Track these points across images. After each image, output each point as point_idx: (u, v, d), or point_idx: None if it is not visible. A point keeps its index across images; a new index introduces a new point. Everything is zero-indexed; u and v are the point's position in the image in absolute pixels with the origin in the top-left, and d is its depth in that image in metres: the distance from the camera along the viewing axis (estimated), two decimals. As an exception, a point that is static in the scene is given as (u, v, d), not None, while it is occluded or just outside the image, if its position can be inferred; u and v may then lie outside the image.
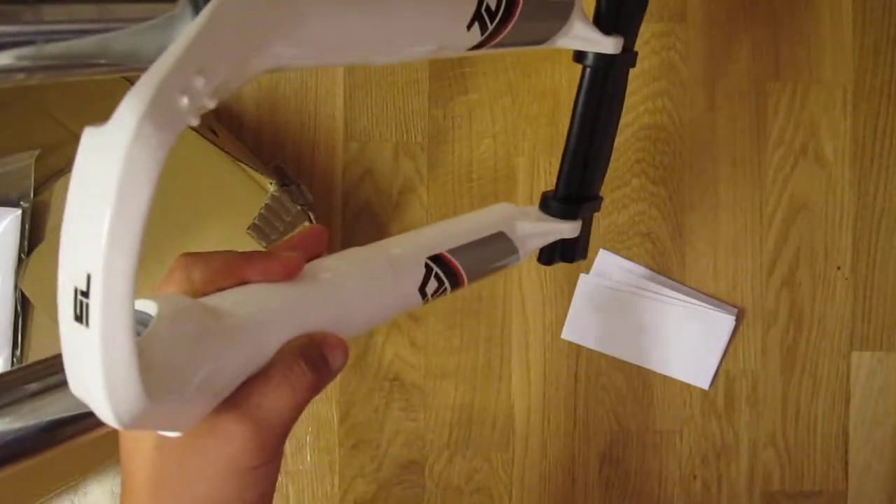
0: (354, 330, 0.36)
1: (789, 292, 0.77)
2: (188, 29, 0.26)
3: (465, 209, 0.77)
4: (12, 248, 0.70)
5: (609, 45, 0.49)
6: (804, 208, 0.77)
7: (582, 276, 0.76)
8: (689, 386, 0.77)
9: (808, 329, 0.78)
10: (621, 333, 0.76)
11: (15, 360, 0.70)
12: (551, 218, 0.53)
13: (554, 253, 0.54)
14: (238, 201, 0.64)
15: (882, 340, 0.78)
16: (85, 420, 0.27)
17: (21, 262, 0.70)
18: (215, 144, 0.66)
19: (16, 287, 0.70)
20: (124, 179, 0.24)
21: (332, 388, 0.76)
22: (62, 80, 0.27)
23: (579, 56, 0.50)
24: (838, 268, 0.78)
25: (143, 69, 0.26)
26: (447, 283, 0.41)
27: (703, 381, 0.77)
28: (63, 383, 0.27)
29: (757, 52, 0.77)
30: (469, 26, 0.39)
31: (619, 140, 0.75)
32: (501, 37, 0.41)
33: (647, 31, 0.77)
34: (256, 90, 0.76)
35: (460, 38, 0.39)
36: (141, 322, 0.28)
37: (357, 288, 0.37)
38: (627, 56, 0.51)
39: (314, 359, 0.32)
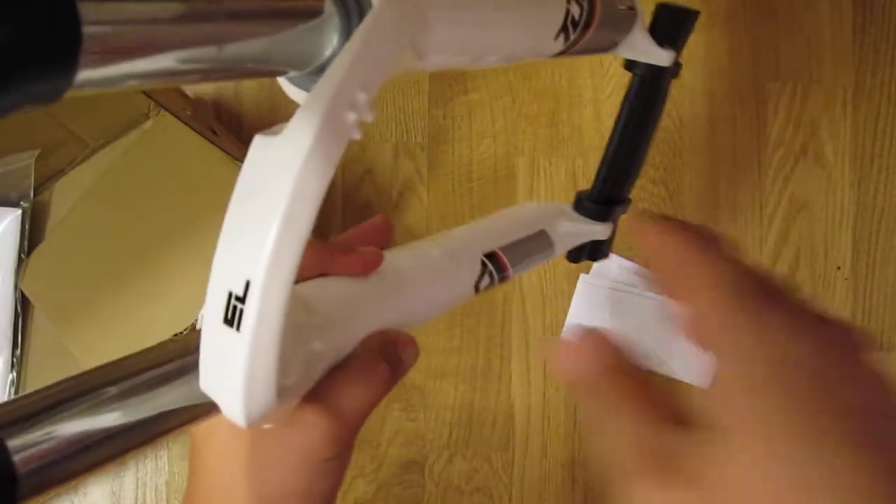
0: (417, 324, 0.37)
1: (789, 292, 0.77)
2: (348, 47, 0.26)
3: (465, 209, 0.77)
4: (12, 248, 0.70)
5: (663, 57, 0.51)
6: (804, 208, 0.77)
7: (582, 276, 0.76)
8: (689, 386, 0.77)
9: (808, 329, 0.77)
10: (621, 333, 0.76)
11: (15, 360, 0.70)
12: (585, 218, 0.55)
13: (582, 251, 0.56)
14: (238, 201, 0.64)
15: (882, 340, 0.78)
16: (185, 413, 0.28)
17: (21, 262, 0.70)
18: (215, 144, 0.66)
19: (16, 287, 0.70)
20: (296, 192, 0.24)
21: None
22: (223, 80, 0.27)
23: (630, 64, 0.53)
24: (838, 268, 0.78)
25: (282, 72, 0.27)
26: (496, 278, 0.43)
27: (703, 380, 0.77)
28: (170, 375, 0.27)
29: (757, 52, 0.77)
30: (556, 37, 0.41)
31: (619, 140, 0.75)
32: (579, 45, 0.43)
33: (647, 31, 0.77)
34: (257, 90, 0.76)
35: (548, 46, 0.41)
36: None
37: (425, 284, 0.38)
38: (675, 68, 0.53)
39: (391, 355, 0.32)
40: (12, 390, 0.69)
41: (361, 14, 0.28)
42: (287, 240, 0.25)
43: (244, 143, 0.76)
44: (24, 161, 0.70)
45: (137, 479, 0.74)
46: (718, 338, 0.25)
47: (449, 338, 0.76)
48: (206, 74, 0.26)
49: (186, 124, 0.67)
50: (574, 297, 0.76)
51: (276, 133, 0.25)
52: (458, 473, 0.76)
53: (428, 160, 0.77)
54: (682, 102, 0.77)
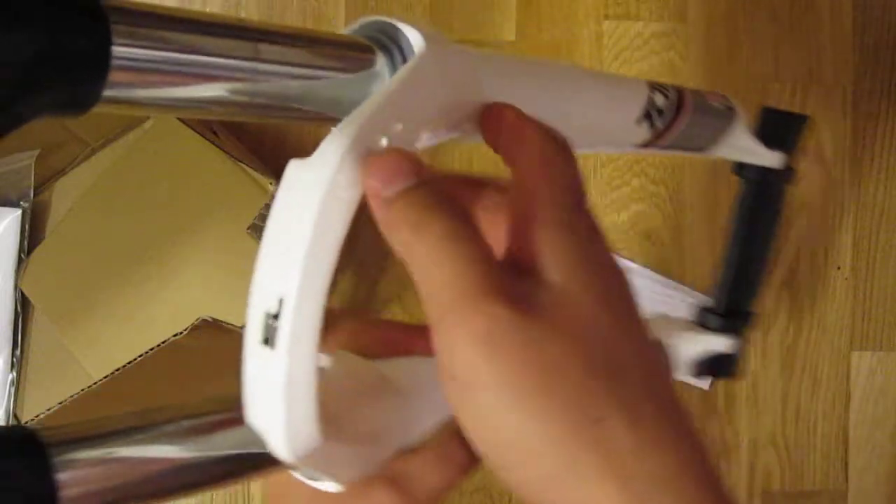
0: None
1: (789, 292, 0.77)
2: (389, 82, 0.28)
3: (465, 209, 0.77)
4: (12, 248, 0.70)
5: (771, 158, 0.49)
6: (804, 208, 0.77)
7: (582, 276, 0.76)
8: (689, 386, 0.77)
9: (808, 329, 0.78)
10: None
11: (14, 359, 0.70)
12: (707, 331, 0.53)
13: (707, 367, 0.54)
14: (238, 201, 0.64)
15: (882, 340, 0.78)
16: (253, 459, 0.28)
17: (21, 262, 0.70)
18: (215, 144, 0.66)
19: (16, 287, 0.70)
20: (323, 210, 0.25)
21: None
22: (265, 119, 0.28)
23: (739, 168, 0.51)
24: (838, 268, 0.78)
25: (338, 119, 0.27)
26: None
27: (702, 381, 0.77)
28: (235, 420, 0.27)
29: (757, 52, 0.77)
30: (639, 122, 0.40)
31: (619, 140, 0.75)
32: (669, 137, 0.42)
33: (647, 30, 0.77)
34: (256, 90, 0.76)
35: (630, 131, 0.40)
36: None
37: None
38: (788, 172, 0.51)
39: (468, 442, 0.32)
40: (12, 390, 0.69)
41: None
42: (317, 254, 0.25)
43: (244, 143, 0.76)
44: (24, 161, 0.70)
45: None
46: (542, 173, 0.28)
47: (449, 338, 0.76)
48: (244, 109, 0.27)
49: (186, 124, 0.67)
50: (574, 297, 0.76)
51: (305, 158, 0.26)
52: (458, 473, 0.76)
53: (428, 160, 0.76)
54: (682, 102, 0.77)
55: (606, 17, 0.77)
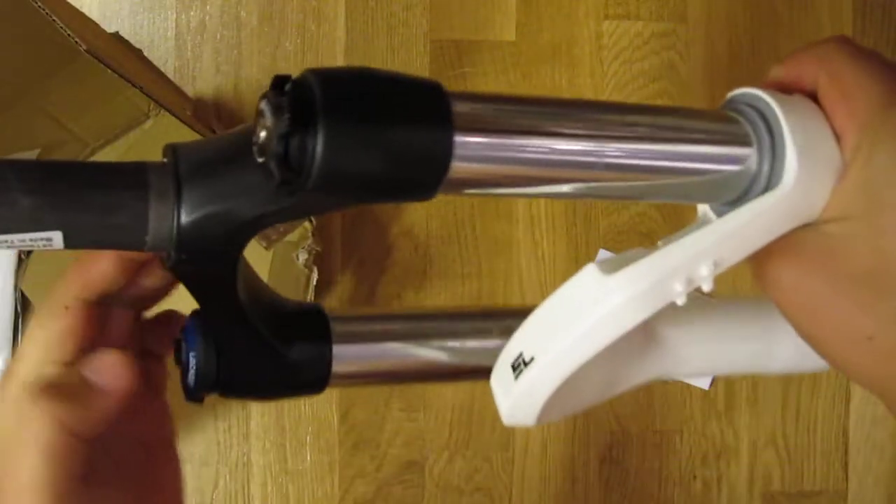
0: None
1: (789, 292, 0.77)
2: (720, 222, 0.28)
3: (465, 208, 0.77)
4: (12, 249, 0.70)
5: None
6: (804, 208, 0.77)
7: (582, 276, 0.76)
8: (689, 386, 0.77)
9: (808, 329, 0.77)
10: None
11: (15, 360, 0.70)
12: None
13: None
14: (238, 201, 0.64)
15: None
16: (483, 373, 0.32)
17: (21, 263, 0.70)
18: (215, 144, 0.66)
19: (16, 287, 0.70)
20: (596, 327, 0.27)
21: (332, 389, 0.76)
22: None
23: None
24: (838, 268, 0.78)
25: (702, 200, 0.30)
26: None
27: (703, 381, 0.77)
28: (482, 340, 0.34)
29: (757, 52, 0.77)
30: None
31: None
32: None
33: (647, 30, 0.77)
34: (256, 90, 0.76)
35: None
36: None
37: None
38: None
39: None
40: (12, 390, 0.69)
41: (774, 160, 0.29)
42: (575, 351, 0.28)
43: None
44: (24, 161, 0.70)
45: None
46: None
47: (449, 338, 0.76)
48: (622, 194, 0.29)
49: (186, 124, 0.67)
50: (574, 297, 0.76)
51: (609, 271, 0.28)
52: (458, 473, 0.76)
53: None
54: (682, 103, 0.77)
55: (606, 17, 0.77)
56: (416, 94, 0.25)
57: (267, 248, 0.63)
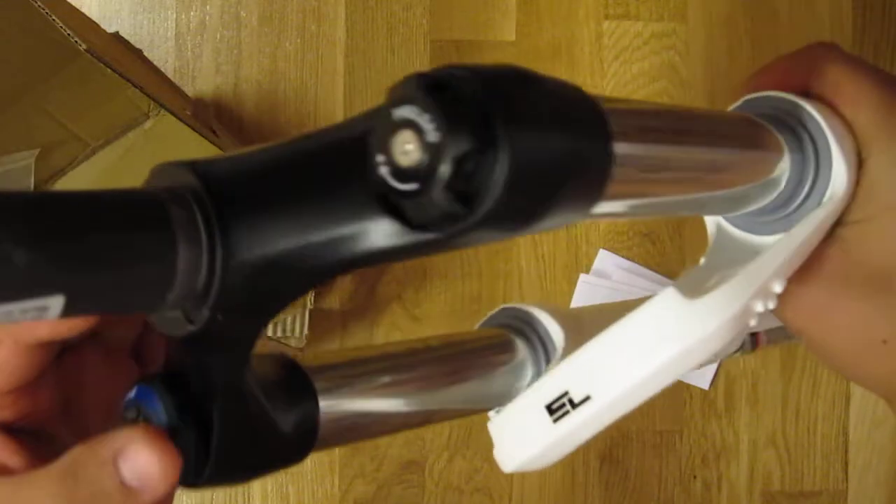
0: None
1: (789, 292, 0.77)
2: (789, 236, 0.27)
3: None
4: (12, 248, 0.70)
5: None
6: (804, 208, 0.77)
7: (582, 276, 0.76)
8: (689, 386, 0.77)
9: (808, 329, 0.78)
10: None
11: (15, 360, 0.70)
12: None
13: None
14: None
15: (882, 340, 0.78)
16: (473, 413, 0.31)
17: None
18: (215, 145, 0.66)
19: None
20: (677, 359, 0.25)
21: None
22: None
23: None
24: (838, 268, 0.78)
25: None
26: None
27: (703, 381, 0.77)
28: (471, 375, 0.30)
29: (757, 52, 0.77)
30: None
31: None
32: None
33: (647, 30, 0.77)
34: (256, 90, 0.76)
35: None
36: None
37: None
38: None
39: None
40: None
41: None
42: (648, 386, 0.26)
43: (244, 143, 0.76)
44: (24, 161, 0.70)
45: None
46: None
47: (449, 338, 0.76)
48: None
49: (186, 124, 0.67)
50: (574, 297, 0.76)
51: (692, 296, 0.26)
52: (458, 473, 0.76)
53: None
54: (682, 102, 0.77)
55: (606, 17, 0.77)
56: (577, 103, 0.21)
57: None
